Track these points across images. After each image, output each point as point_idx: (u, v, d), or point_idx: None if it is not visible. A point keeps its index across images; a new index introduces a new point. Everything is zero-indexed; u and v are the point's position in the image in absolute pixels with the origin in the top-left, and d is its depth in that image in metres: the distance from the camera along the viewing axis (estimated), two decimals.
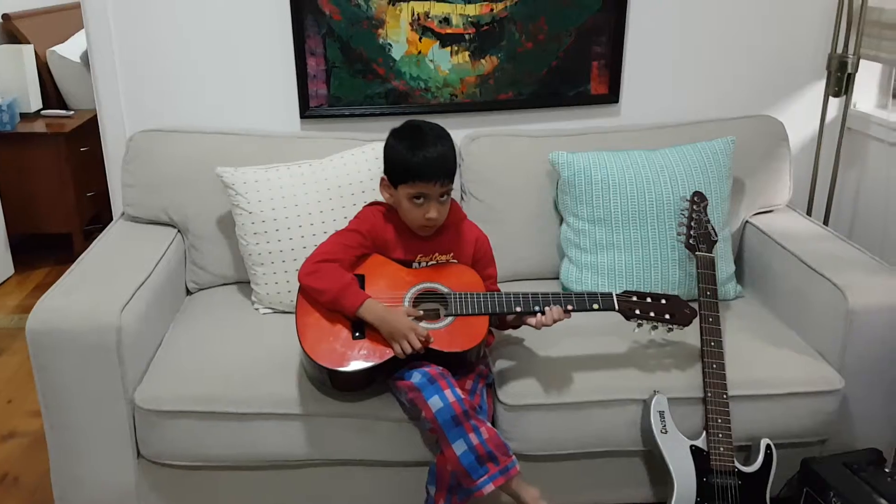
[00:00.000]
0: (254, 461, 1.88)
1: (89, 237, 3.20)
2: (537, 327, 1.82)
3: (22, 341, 2.24)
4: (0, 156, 3.53)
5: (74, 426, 1.83)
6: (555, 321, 1.81)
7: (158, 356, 1.95)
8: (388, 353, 1.75)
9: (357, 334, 1.78)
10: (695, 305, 1.91)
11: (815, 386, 1.90)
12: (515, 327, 1.96)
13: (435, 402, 1.68)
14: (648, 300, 1.86)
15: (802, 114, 2.63)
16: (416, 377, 1.72)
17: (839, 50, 2.53)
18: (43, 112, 3.93)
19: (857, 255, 2.13)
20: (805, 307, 2.06)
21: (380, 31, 2.40)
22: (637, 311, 1.85)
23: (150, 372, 1.89)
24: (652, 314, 1.85)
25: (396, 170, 1.84)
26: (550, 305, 1.81)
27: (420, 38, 2.42)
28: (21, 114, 3.78)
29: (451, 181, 1.85)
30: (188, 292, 2.31)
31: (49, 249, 3.88)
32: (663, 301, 1.87)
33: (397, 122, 1.94)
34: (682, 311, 1.87)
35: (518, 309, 1.83)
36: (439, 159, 1.82)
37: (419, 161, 1.80)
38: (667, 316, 1.86)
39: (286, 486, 1.93)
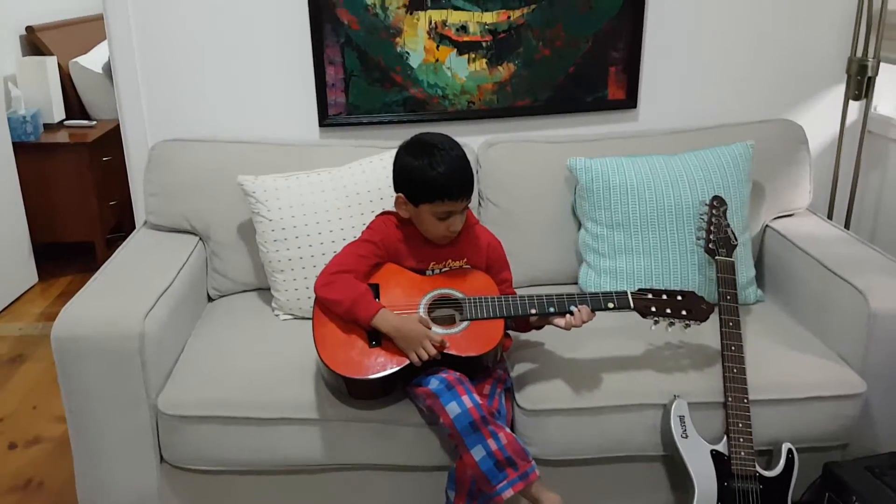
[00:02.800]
0: (274, 466, 1.89)
1: (112, 246, 3.24)
2: (567, 328, 1.81)
3: (46, 348, 2.27)
4: (24, 166, 3.58)
5: (98, 431, 1.85)
6: (584, 322, 1.80)
7: (181, 362, 1.97)
8: (405, 361, 1.76)
9: (373, 343, 1.79)
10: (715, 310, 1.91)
11: (837, 390, 1.89)
12: (539, 328, 1.95)
13: (452, 409, 1.68)
14: (664, 297, 1.85)
15: (822, 117, 2.62)
16: (434, 383, 1.73)
17: (859, 53, 2.52)
18: (66, 122, 3.99)
19: (879, 258, 2.12)
20: (826, 311, 2.05)
21: (397, 39, 2.42)
22: (653, 309, 1.84)
23: (173, 377, 1.91)
24: (668, 311, 1.84)
25: (419, 189, 1.82)
26: (568, 306, 1.81)
27: (437, 47, 2.43)
28: (44, 124, 3.85)
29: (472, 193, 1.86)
30: (209, 299, 2.33)
31: (72, 258, 3.93)
32: (679, 297, 1.86)
33: (416, 129, 1.95)
34: (698, 307, 1.86)
35: (533, 311, 1.83)
36: (462, 175, 1.83)
37: (444, 181, 1.79)
38: (683, 312, 1.84)
39: (306, 490, 1.95)
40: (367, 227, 1.98)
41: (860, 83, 2.51)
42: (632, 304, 1.83)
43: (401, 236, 1.93)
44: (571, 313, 1.81)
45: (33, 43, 4.11)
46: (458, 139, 1.91)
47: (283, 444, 1.85)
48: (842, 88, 2.58)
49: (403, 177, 1.87)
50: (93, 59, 4.14)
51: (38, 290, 3.69)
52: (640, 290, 1.86)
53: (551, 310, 1.82)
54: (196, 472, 1.89)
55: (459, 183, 1.82)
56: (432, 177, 1.80)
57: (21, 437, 2.55)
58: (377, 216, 2.00)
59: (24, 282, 3.66)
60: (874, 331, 1.89)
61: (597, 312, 1.83)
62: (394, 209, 1.94)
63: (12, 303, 3.54)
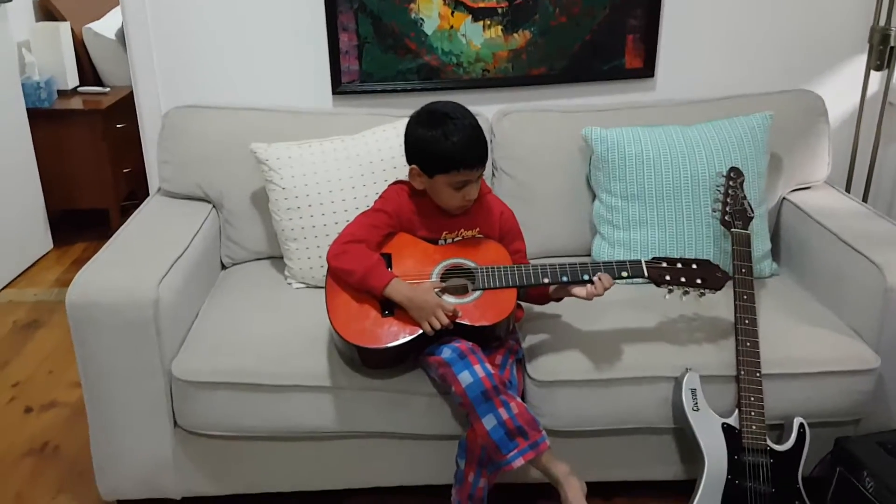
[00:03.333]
0: (287, 433, 1.91)
1: (126, 213, 3.25)
2: (588, 298, 1.79)
3: (61, 314, 2.29)
4: (38, 132, 3.58)
5: (113, 397, 1.87)
6: (605, 289, 1.78)
7: (195, 329, 1.98)
8: (418, 330, 1.76)
9: (386, 312, 1.79)
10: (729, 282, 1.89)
11: (851, 365, 1.88)
12: (558, 300, 1.93)
13: (465, 378, 1.69)
14: (679, 265, 1.83)
15: (843, 88, 2.57)
16: (446, 353, 1.73)
17: (881, 23, 2.47)
18: (79, 89, 3.98)
19: None
20: (842, 285, 2.03)
21: (412, 5, 2.39)
22: (667, 277, 1.82)
23: (187, 344, 1.92)
24: (683, 279, 1.82)
25: (434, 161, 1.82)
26: (581, 275, 1.80)
27: (452, 13, 2.40)
28: (58, 91, 3.84)
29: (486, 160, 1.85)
30: (223, 267, 2.34)
31: (86, 225, 3.94)
32: (694, 266, 1.84)
33: (430, 97, 1.93)
34: (713, 276, 1.83)
35: (546, 280, 1.82)
36: (477, 144, 1.81)
37: (458, 151, 1.78)
38: (698, 280, 1.82)
39: (318, 457, 1.97)
40: (380, 197, 1.97)
41: (882, 53, 2.47)
42: (646, 273, 1.82)
43: (413, 206, 1.92)
44: (587, 282, 1.79)
45: (46, 8, 4.09)
46: (472, 108, 1.89)
47: (296, 411, 1.86)
48: (863, 58, 2.53)
49: (417, 149, 1.86)
50: (106, 25, 4.12)
51: (53, 256, 3.71)
52: (654, 258, 1.84)
53: (564, 279, 1.81)
54: (210, 437, 1.91)
55: (474, 152, 1.81)
56: (446, 147, 1.78)
57: (37, 401, 2.58)
58: (390, 186, 2.00)
59: (40, 248, 3.68)
60: (890, 305, 1.87)
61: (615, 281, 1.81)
62: (406, 178, 1.93)
63: (28, 269, 3.56)
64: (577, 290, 1.82)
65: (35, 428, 2.45)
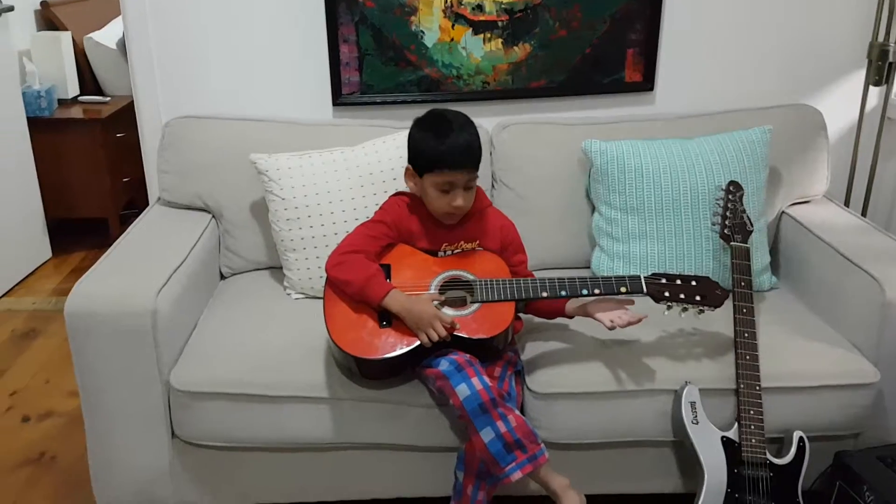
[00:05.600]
0: (284, 444, 1.90)
1: (125, 222, 3.25)
2: (611, 328, 1.79)
3: (59, 323, 2.29)
4: (38, 141, 3.59)
5: (111, 407, 1.87)
6: (630, 325, 1.79)
7: (193, 339, 1.98)
8: (415, 341, 1.75)
9: (384, 323, 1.79)
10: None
11: (850, 379, 1.88)
12: (570, 317, 1.93)
13: (462, 390, 1.68)
14: (678, 282, 1.84)
15: (842, 103, 2.58)
16: (444, 365, 1.73)
17: (880, 38, 2.48)
18: (80, 98, 3.99)
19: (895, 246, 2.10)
20: (841, 299, 2.03)
21: (412, 18, 2.40)
22: (666, 294, 1.82)
23: (185, 354, 1.92)
24: (682, 296, 1.82)
25: (422, 159, 1.84)
26: (580, 290, 1.80)
27: (453, 26, 2.41)
28: (59, 100, 3.85)
29: (477, 169, 1.85)
30: (222, 277, 2.33)
31: (85, 234, 3.95)
32: (693, 283, 1.84)
33: (429, 109, 1.94)
34: (713, 293, 1.84)
35: (545, 294, 1.82)
36: (466, 148, 1.82)
37: (445, 150, 1.79)
38: (697, 297, 1.83)
39: (316, 468, 1.96)
40: (380, 208, 1.97)
41: (881, 68, 2.48)
42: (645, 289, 1.82)
43: (413, 217, 1.92)
44: (591, 294, 1.80)
45: (48, 18, 4.10)
46: (473, 120, 1.90)
47: (294, 422, 1.85)
48: (862, 74, 2.54)
49: (411, 147, 1.88)
50: (107, 35, 4.13)
51: (51, 265, 3.71)
52: (653, 274, 1.85)
53: (563, 293, 1.82)
54: (207, 448, 1.91)
55: (461, 154, 1.81)
56: (434, 145, 1.80)
57: (34, 410, 2.57)
58: (390, 197, 2.00)
59: (38, 257, 3.68)
60: (889, 320, 1.87)
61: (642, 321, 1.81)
62: (405, 189, 1.93)
63: (26, 277, 3.56)
64: (601, 315, 1.82)
65: (32, 437, 2.44)
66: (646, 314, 1.81)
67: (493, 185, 2.35)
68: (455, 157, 1.80)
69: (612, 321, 1.79)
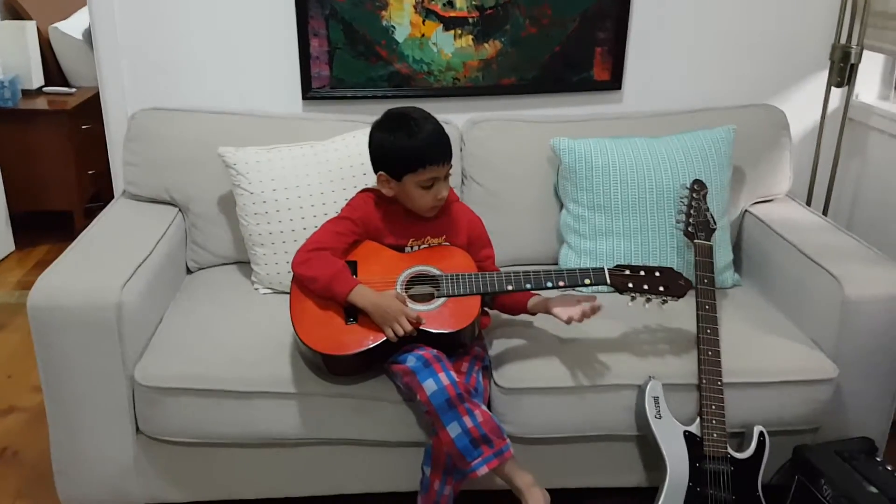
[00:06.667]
0: (252, 439, 1.89)
1: (90, 215, 3.20)
2: (568, 322, 1.80)
3: (22, 317, 2.25)
4: (1, 133, 3.53)
5: (75, 402, 1.85)
6: (586, 318, 1.80)
7: (158, 334, 1.96)
8: (382, 336, 1.76)
9: (350, 319, 1.79)
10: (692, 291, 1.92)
11: (810, 374, 1.91)
12: (533, 314, 1.94)
13: (429, 386, 1.69)
14: (641, 273, 1.85)
15: (804, 103, 2.63)
16: (411, 361, 1.73)
17: (843, 40, 2.53)
18: (45, 89, 3.93)
19: (855, 245, 2.14)
20: (802, 296, 2.07)
21: (383, 13, 2.39)
22: (630, 285, 1.83)
23: (150, 349, 1.90)
24: (645, 287, 1.83)
25: (400, 162, 1.82)
26: (545, 283, 1.82)
27: (423, 21, 2.42)
28: (23, 90, 3.78)
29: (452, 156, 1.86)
30: (188, 271, 2.32)
31: (50, 227, 3.88)
32: (657, 273, 1.86)
33: (400, 104, 1.93)
34: (676, 283, 1.85)
35: (510, 287, 1.83)
36: (440, 139, 1.83)
37: (423, 147, 1.80)
38: (661, 288, 1.84)
39: (284, 463, 1.95)
40: (347, 205, 1.97)
41: (843, 70, 2.53)
42: (608, 281, 1.83)
43: (380, 214, 1.93)
44: (555, 287, 1.81)
45: (12, 7, 4.03)
46: (442, 116, 1.91)
47: (261, 417, 1.85)
48: (825, 75, 2.59)
49: (381, 153, 1.86)
50: (73, 25, 4.07)
51: (14, 258, 3.65)
52: (617, 266, 1.87)
53: (528, 286, 1.84)
54: (173, 444, 1.89)
55: (438, 148, 1.82)
56: (411, 145, 1.80)
57: None
58: (357, 193, 2.00)
59: (1, 250, 3.61)
60: (848, 317, 1.92)
61: (599, 312, 1.82)
62: (375, 186, 1.93)
63: None
64: (558, 310, 1.83)
65: None
66: (602, 304, 1.82)
67: (462, 182, 2.36)
68: (434, 152, 1.80)
69: (569, 316, 1.80)
